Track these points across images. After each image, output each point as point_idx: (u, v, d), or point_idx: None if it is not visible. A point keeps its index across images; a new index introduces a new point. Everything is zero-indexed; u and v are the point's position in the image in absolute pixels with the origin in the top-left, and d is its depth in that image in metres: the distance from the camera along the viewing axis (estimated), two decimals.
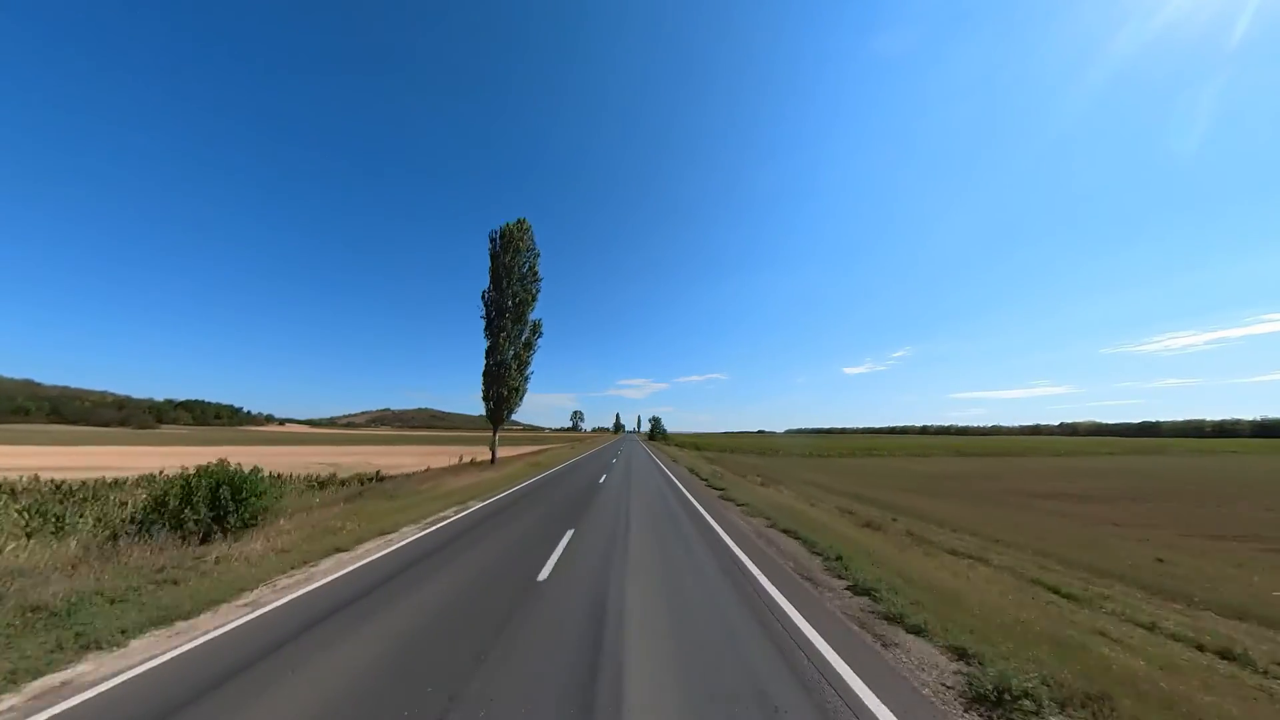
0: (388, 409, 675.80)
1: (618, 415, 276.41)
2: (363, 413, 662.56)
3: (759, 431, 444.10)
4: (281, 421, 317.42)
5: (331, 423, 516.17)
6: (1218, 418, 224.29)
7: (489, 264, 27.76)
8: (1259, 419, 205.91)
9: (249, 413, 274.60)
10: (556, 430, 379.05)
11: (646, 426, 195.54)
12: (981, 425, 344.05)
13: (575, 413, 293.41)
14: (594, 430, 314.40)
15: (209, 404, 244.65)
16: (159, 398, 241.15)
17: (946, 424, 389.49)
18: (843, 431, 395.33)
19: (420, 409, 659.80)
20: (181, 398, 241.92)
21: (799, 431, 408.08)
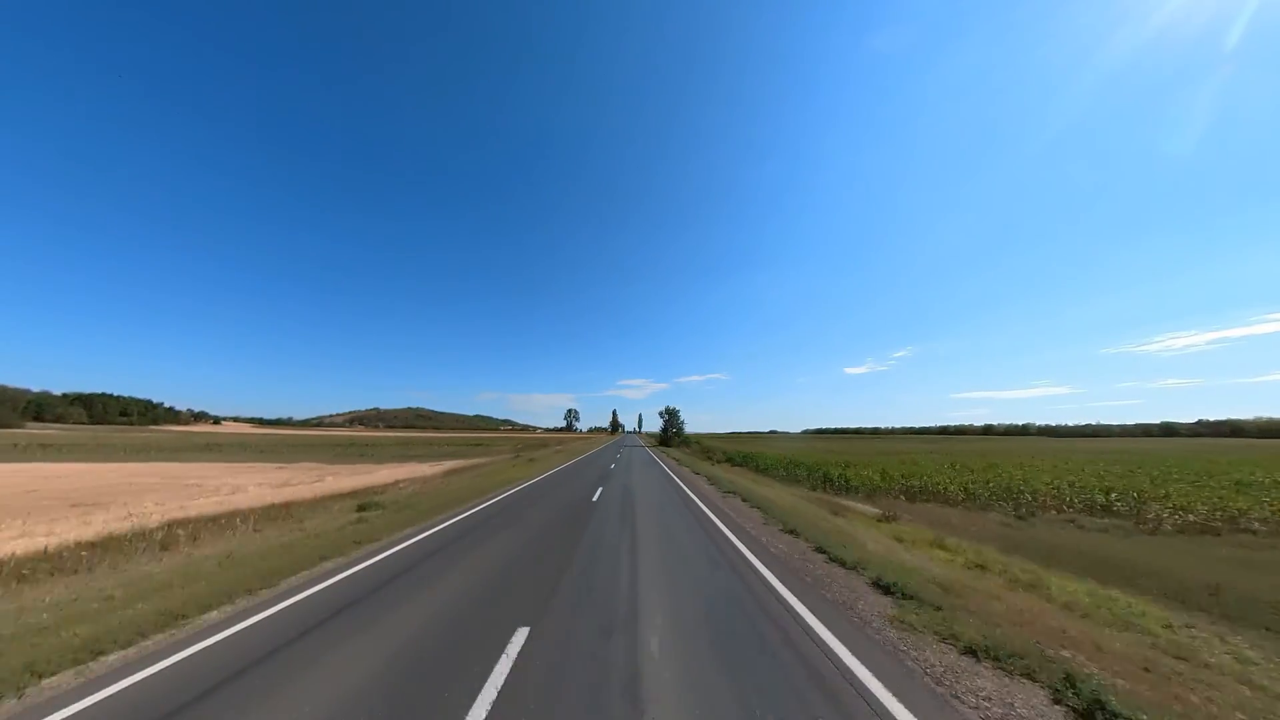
0: (375, 408, 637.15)
1: (614, 413, 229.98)
2: (348, 411, 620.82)
3: (770, 432, 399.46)
4: (217, 420, 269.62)
5: (304, 424, 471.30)
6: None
7: None
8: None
9: (172, 410, 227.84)
10: (549, 430, 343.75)
11: (652, 425, 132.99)
12: (1057, 424, 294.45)
13: (569, 411, 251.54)
14: (590, 430, 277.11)
15: (114, 398, 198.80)
16: (57, 390, 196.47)
17: (1000, 423, 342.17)
18: (874, 432, 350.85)
19: (407, 408, 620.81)
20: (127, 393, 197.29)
21: (818, 432, 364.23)
